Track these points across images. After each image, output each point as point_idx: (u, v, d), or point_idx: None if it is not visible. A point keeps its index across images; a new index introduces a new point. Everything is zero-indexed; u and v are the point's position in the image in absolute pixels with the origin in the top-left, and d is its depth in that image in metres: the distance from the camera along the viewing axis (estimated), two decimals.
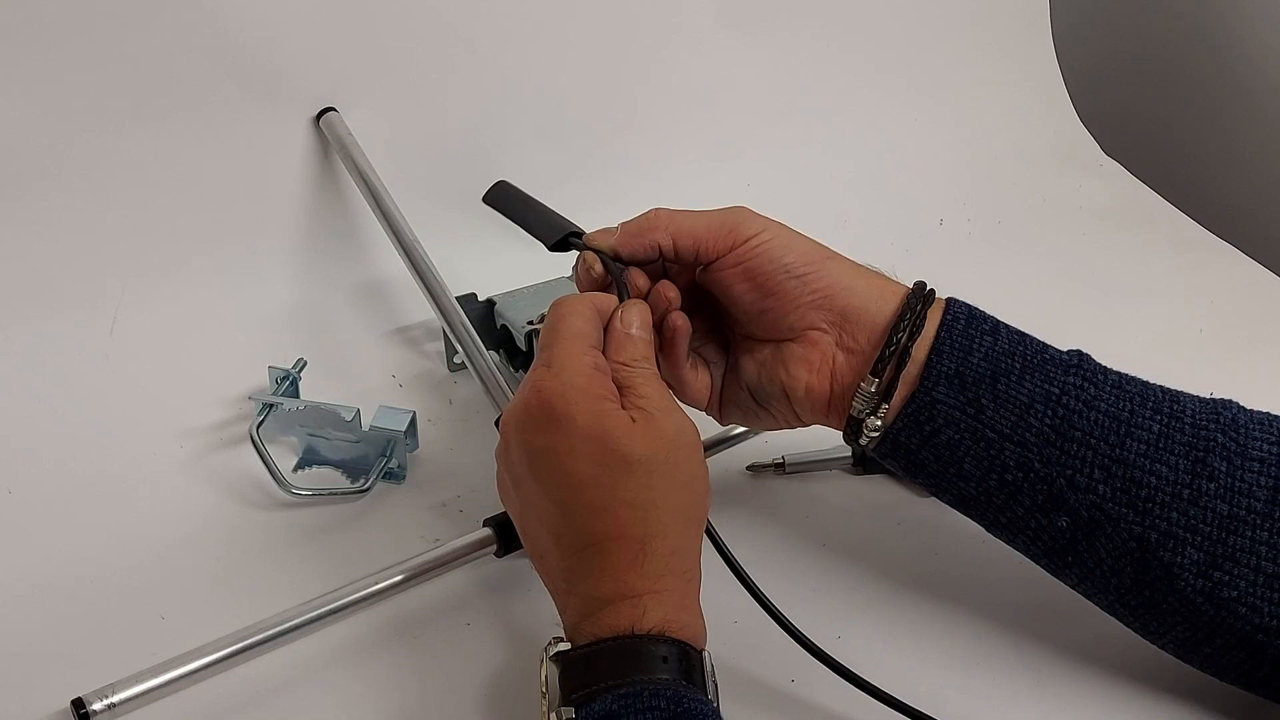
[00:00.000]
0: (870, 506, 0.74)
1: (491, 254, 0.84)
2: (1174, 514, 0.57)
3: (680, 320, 0.62)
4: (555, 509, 0.57)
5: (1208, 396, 0.60)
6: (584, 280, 0.64)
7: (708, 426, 0.75)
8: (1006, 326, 0.61)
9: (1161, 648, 0.60)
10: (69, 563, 0.68)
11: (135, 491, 0.73)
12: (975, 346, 0.60)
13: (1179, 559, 0.56)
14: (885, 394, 0.60)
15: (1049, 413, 0.58)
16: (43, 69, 0.76)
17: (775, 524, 0.72)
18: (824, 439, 0.76)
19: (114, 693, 0.58)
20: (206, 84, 0.81)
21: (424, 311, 0.83)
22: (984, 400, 0.59)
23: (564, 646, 0.55)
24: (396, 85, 0.87)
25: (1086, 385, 0.59)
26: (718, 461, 0.75)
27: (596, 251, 0.63)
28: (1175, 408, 0.58)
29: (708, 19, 0.99)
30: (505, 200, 0.70)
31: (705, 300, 0.65)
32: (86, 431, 0.76)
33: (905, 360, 0.60)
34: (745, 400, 0.65)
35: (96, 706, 0.57)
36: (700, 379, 0.65)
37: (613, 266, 0.62)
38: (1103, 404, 0.58)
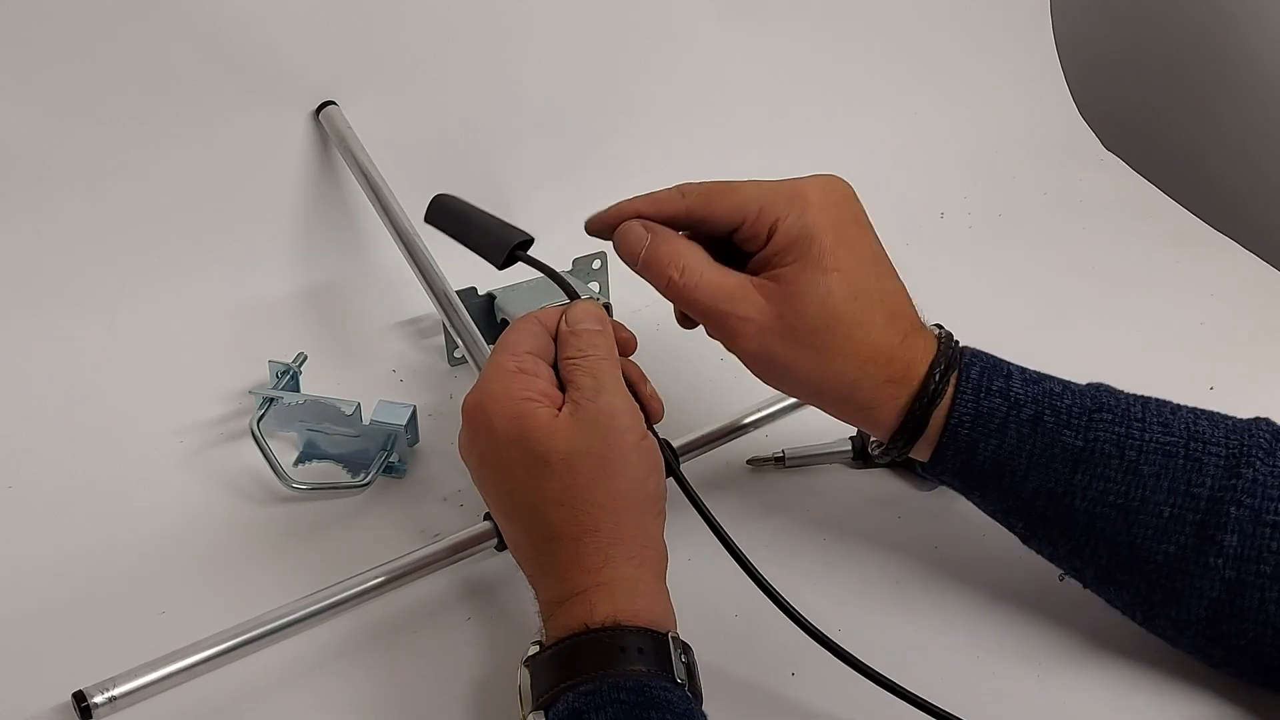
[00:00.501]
0: (870, 500, 0.74)
1: None
2: (1179, 583, 0.57)
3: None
4: (504, 519, 0.60)
5: (1242, 425, 0.59)
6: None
7: (706, 421, 0.75)
8: (1016, 419, 0.59)
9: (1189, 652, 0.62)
10: (69, 558, 0.68)
11: (135, 487, 0.73)
12: (980, 448, 0.60)
13: (1185, 616, 0.58)
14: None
15: (1052, 506, 0.59)
16: (40, 65, 0.76)
17: (776, 517, 0.72)
18: (825, 433, 0.76)
19: (115, 686, 0.58)
20: (205, 78, 0.81)
21: (424, 306, 0.83)
22: (988, 488, 0.61)
23: (534, 650, 0.56)
24: (396, 79, 0.87)
25: (1094, 482, 0.58)
26: (718, 455, 0.75)
27: (543, 270, 0.63)
28: (1194, 482, 0.57)
29: (707, 12, 0.99)
30: (446, 217, 0.67)
31: None
32: (86, 427, 0.76)
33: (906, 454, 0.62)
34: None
35: (97, 700, 0.57)
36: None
37: (559, 278, 0.62)
38: (1111, 497, 0.58)
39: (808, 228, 0.60)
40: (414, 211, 0.81)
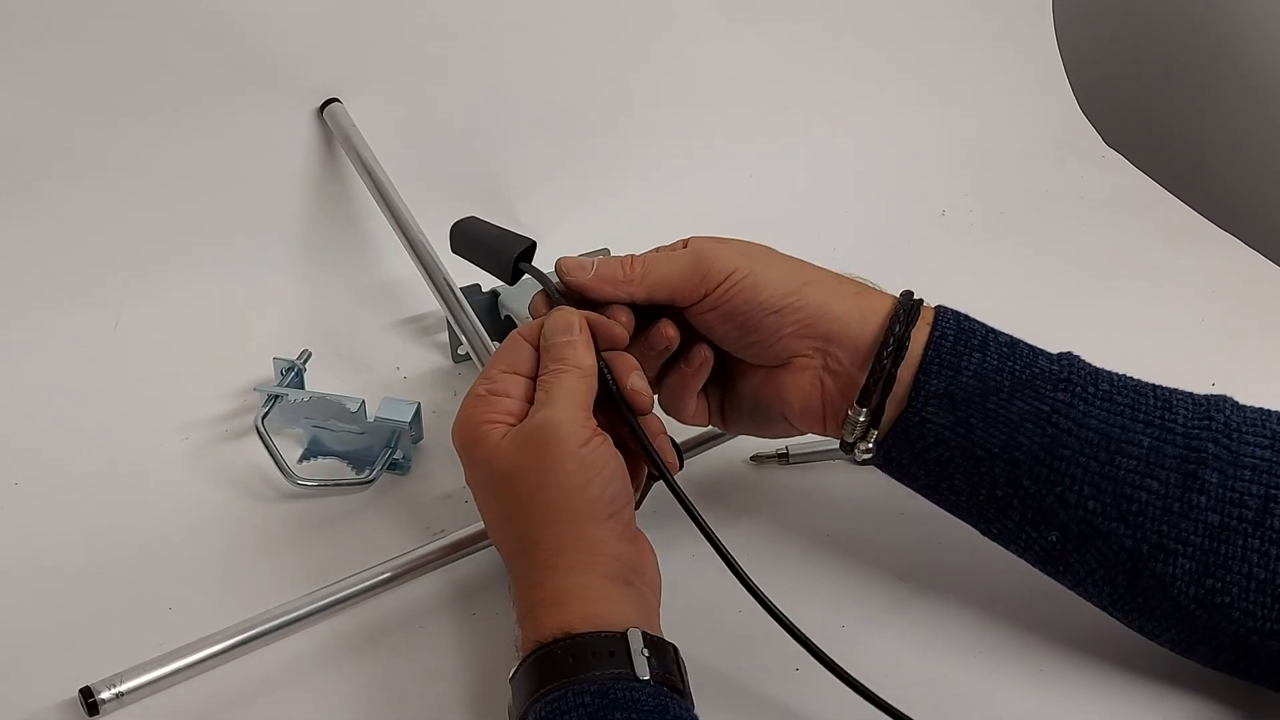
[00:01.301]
0: (873, 497, 0.74)
1: None
2: (1164, 527, 0.57)
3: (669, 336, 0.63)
4: (488, 531, 0.62)
5: (1202, 394, 0.60)
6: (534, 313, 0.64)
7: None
8: (995, 337, 0.61)
9: (1159, 644, 0.60)
10: (75, 554, 0.68)
11: (141, 483, 0.73)
12: (964, 364, 0.59)
13: (1171, 569, 0.57)
14: (874, 419, 0.61)
15: (1039, 431, 0.58)
16: (44, 63, 0.76)
17: (778, 514, 0.73)
18: None
19: (121, 682, 0.58)
20: (209, 76, 0.81)
21: (428, 303, 0.83)
22: (973, 420, 0.59)
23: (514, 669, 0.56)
24: (399, 76, 0.87)
25: (1076, 402, 0.58)
26: (721, 452, 0.76)
27: (539, 279, 0.64)
28: (1167, 417, 0.58)
29: (709, 10, 0.99)
30: (465, 246, 0.68)
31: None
32: (92, 424, 0.76)
33: (891, 385, 0.60)
34: (747, 417, 0.66)
35: (104, 695, 0.58)
36: (699, 407, 0.66)
37: (552, 289, 0.63)
38: (1093, 420, 0.58)
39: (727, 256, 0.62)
40: (417, 208, 0.81)
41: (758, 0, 1.01)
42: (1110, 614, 0.61)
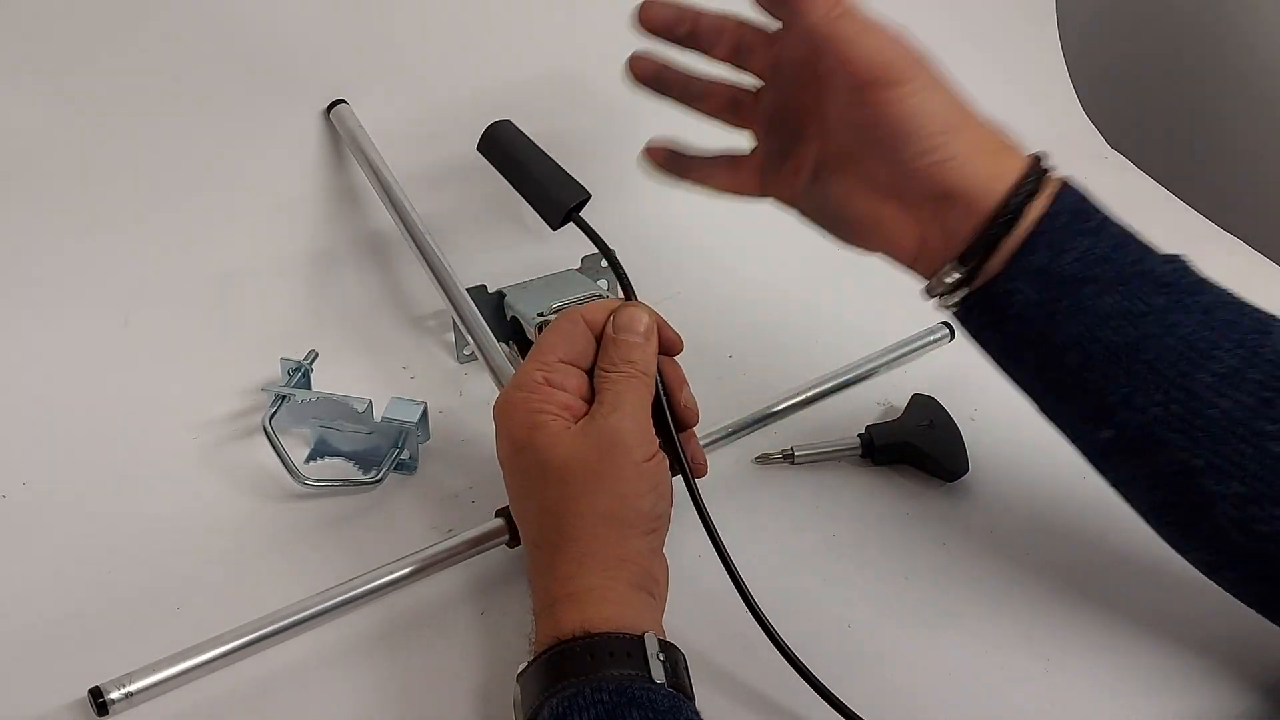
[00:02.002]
0: (879, 497, 0.74)
1: (502, 245, 0.84)
2: (1225, 447, 0.55)
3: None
4: (515, 519, 0.62)
5: None
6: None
7: (715, 417, 0.75)
8: (1112, 225, 0.59)
9: (1189, 561, 0.59)
10: (84, 554, 0.68)
11: (149, 483, 0.73)
12: (1071, 245, 0.57)
13: (1221, 489, 0.55)
14: (968, 279, 0.59)
15: (1126, 329, 0.56)
16: (53, 65, 0.76)
17: (784, 514, 0.73)
18: (834, 430, 0.77)
19: (131, 682, 0.58)
20: (216, 77, 0.81)
21: (434, 303, 0.83)
22: (1063, 304, 0.57)
23: (524, 665, 0.56)
24: (406, 77, 0.87)
25: (1172, 309, 0.56)
26: (726, 453, 0.76)
27: (598, 245, 0.63)
28: (1261, 341, 0.56)
29: (714, 7, 0.99)
30: (501, 153, 0.64)
31: (809, 95, 0.63)
32: (100, 424, 0.76)
33: (993, 252, 0.58)
34: (823, 208, 0.64)
35: (114, 695, 0.58)
36: (739, 178, 0.66)
37: (619, 266, 0.63)
38: (1184, 329, 0.56)
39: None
40: (424, 209, 0.81)
41: None
42: (1148, 522, 0.60)
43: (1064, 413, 0.60)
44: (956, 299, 0.61)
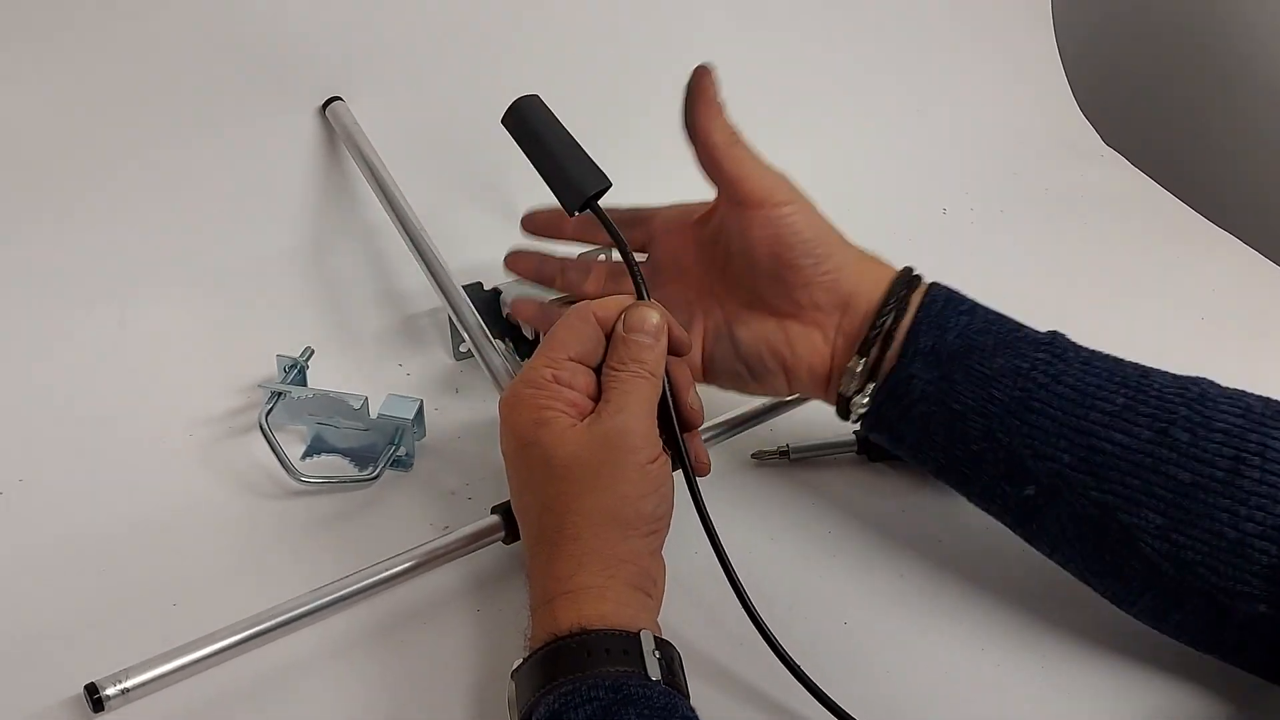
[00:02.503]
0: (875, 494, 0.74)
1: (498, 242, 0.84)
2: (1133, 480, 0.57)
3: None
4: (516, 514, 0.63)
5: (1182, 374, 0.61)
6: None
7: (711, 413, 0.75)
8: (984, 308, 0.64)
9: (1134, 616, 0.61)
10: (81, 550, 0.68)
11: (145, 480, 0.73)
12: (951, 324, 0.62)
13: (1139, 522, 0.57)
14: (871, 373, 0.64)
15: (1014, 385, 0.60)
16: (49, 63, 0.76)
17: (780, 512, 0.73)
18: (828, 427, 0.77)
19: (127, 678, 0.58)
20: (212, 75, 0.81)
21: (430, 300, 0.83)
22: (956, 375, 0.62)
23: (519, 662, 0.56)
24: (402, 74, 0.87)
25: (1055, 361, 0.61)
26: (723, 450, 0.76)
27: (613, 235, 0.63)
28: (1143, 382, 0.60)
29: (712, 11, 0.99)
30: (527, 128, 0.65)
31: (696, 267, 0.68)
32: (96, 421, 0.76)
33: (890, 343, 0.63)
34: (737, 369, 0.68)
35: (109, 691, 0.58)
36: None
37: (632, 262, 0.63)
38: (1069, 378, 0.60)
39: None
40: (420, 206, 0.81)
41: (759, 1, 1.01)
42: (1087, 581, 0.62)
43: (984, 480, 0.62)
44: (866, 400, 0.64)
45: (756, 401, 0.77)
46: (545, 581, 0.57)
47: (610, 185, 0.65)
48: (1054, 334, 0.63)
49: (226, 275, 0.83)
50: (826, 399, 0.67)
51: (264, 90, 0.83)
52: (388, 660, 0.63)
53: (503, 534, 0.66)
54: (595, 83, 0.95)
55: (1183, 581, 0.57)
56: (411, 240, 0.80)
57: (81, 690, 0.58)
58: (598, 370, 0.61)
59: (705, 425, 0.75)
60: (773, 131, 1.03)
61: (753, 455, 0.76)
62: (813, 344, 0.65)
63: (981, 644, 0.65)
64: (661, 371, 0.61)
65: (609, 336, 0.61)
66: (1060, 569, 0.63)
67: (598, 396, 0.60)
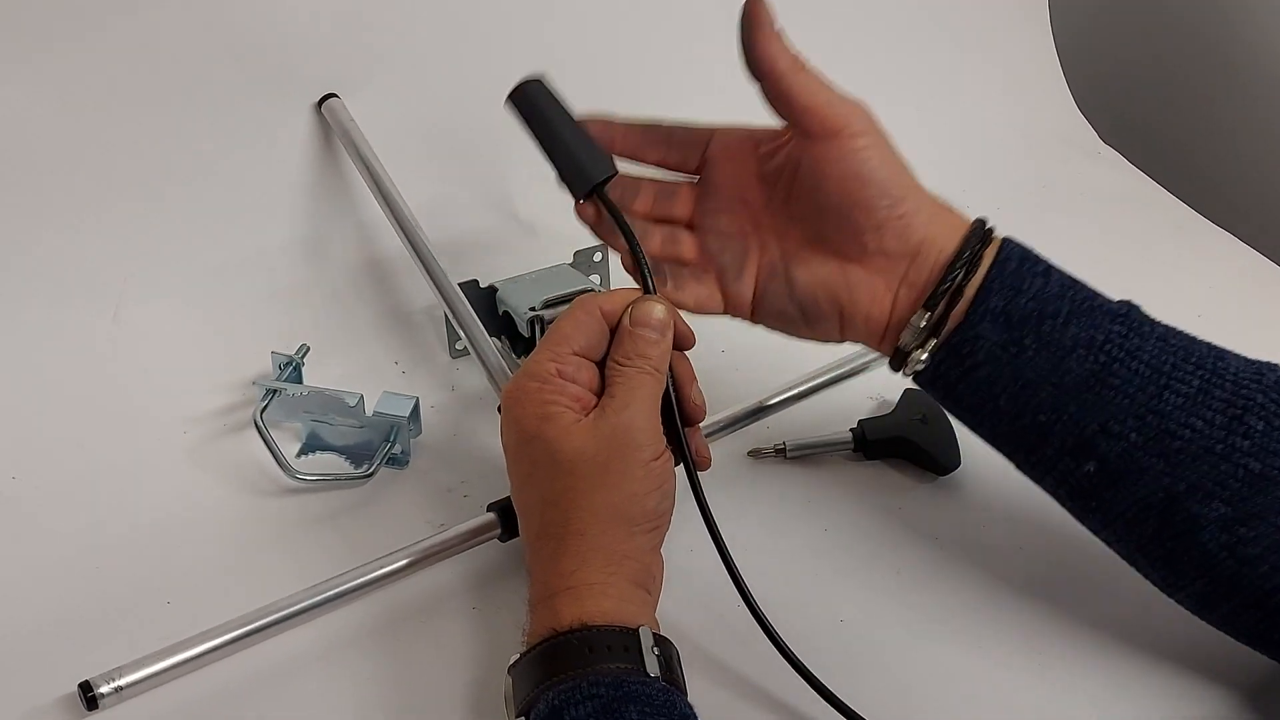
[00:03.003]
0: (871, 491, 0.74)
1: (494, 240, 0.84)
2: (1204, 467, 0.56)
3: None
4: (516, 508, 0.62)
5: (1256, 359, 0.59)
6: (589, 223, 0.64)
7: (708, 411, 0.75)
8: (1059, 270, 0.61)
9: (1179, 602, 0.60)
10: (75, 548, 0.68)
11: (140, 477, 0.73)
12: (1025, 286, 0.59)
13: (1205, 511, 0.56)
14: (935, 329, 0.61)
15: (1090, 358, 0.58)
16: (43, 59, 0.76)
17: (777, 509, 0.73)
18: (826, 424, 0.77)
19: (121, 676, 0.58)
20: (207, 71, 0.81)
21: (426, 297, 0.83)
22: (1027, 340, 0.59)
23: (517, 657, 0.56)
24: (398, 70, 0.87)
25: (1131, 335, 0.58)
26: (719, 446, 0.75)
27: (621, 226, 0.62)
28: (1219, 364, 0.58)
29: (709, 6, 0.99)
30: (535, 111, 0.63)
31: (756, 198, 0.65)
32: (91, 418, 0.76)
33: (958, 299, 0.60)
34: (789, 310, 0.65)
35: (104, 689, 0.58)
36: (703, 291, 0.65)
37: (639, 253, 0.62)
38: (1145, 354, 0.58)
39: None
40: (416, 203, 0.81)
41: None
42: (1135, 563, 0.60)
43: (1047, 453, 0.60)
44: (925, 355, 0.61)
45: (753, 399, 0.77)
46: (548, 577, 0.57)
47: (616, 173, 0.64)
48: (1128, 305, 0.60)
49: (222, 272, 0.83)
50: (880, 349, 0.64)
51: (259, 87, 0.82)
52: (383, 658, 0.63)
53: (499, 531, 0.66)
54: (591, 81, 0.95)
55: (1240, 575, 0.56)
56: (407, 237, 0.79)
57: (76, 688, 0.58)
58: (600, 364, 0.61)
59: (703, 423, 0.75)
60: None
61: (749, 452, 0.76)
62: (874, 291, 0.62)
63: (978, 642, 0.65)
64: (666, 367, 0.60)
65: (613, 330, 0.61)
66: (1056, 568, 0.63)
67: (600, 391, 0.60)
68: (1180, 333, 0.60)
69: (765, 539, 0.71)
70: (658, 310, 0.60)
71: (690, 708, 0.54)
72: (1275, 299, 0.93)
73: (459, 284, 0.78)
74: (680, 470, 0.62)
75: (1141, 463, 0.57)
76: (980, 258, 0.60)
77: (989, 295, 0.59)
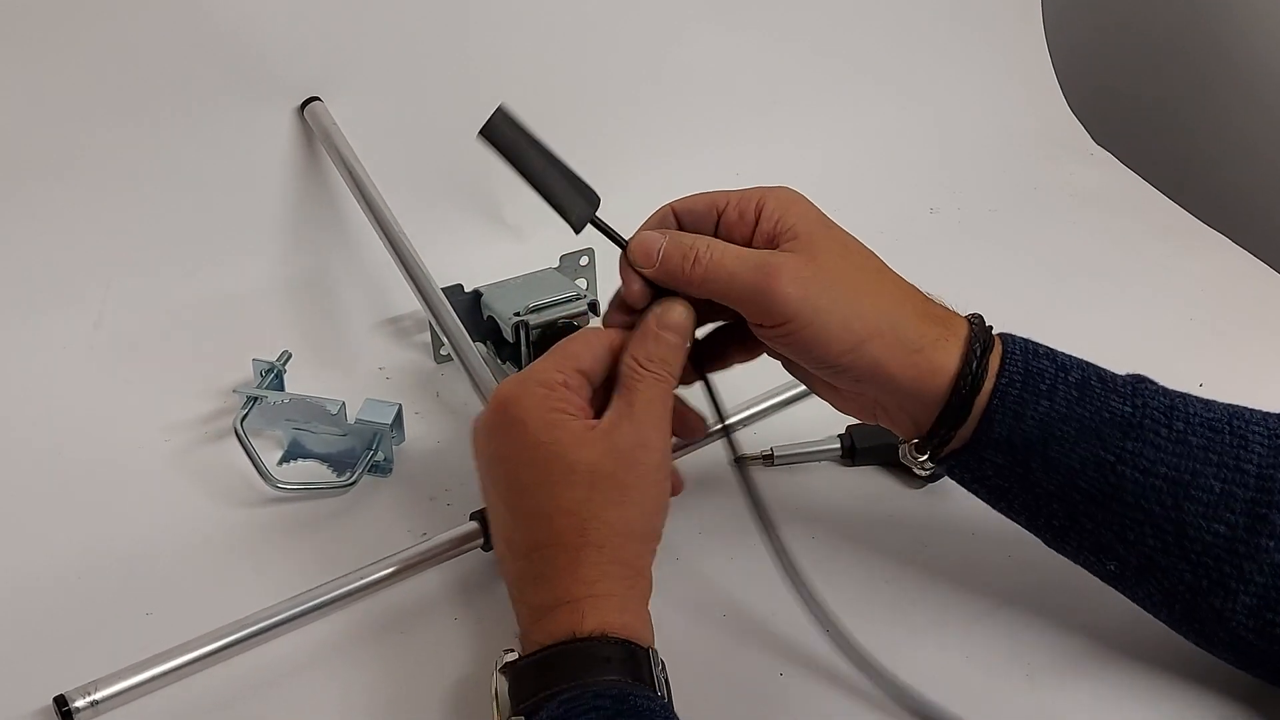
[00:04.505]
0: (859, 498, 0.73)
1: (477, 244, 0.84)
2: (1227, 566, 0.56)
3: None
4: (507, 514, 0.59)
5: (1274, 414, 0.58)
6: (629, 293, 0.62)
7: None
8: (1065, 381, 0.58)
9: (1216, 657, 0.60)
10: (52, 558, 0.67)
11: (120, 486, 0.72)
12: (1028, 413, 0.58)
13: (1231, 605, 0.56)
14: (932, 456, 0.61)
15: (1100, 478, 0.57)
16: (23, 63, 0.76)
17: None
18: (814, 431, 0.76)
19: (97, 690, 0.58)
20: (189, 74, 0.80)
21: (410, 303, 0.82)
22: (1033, 463, 0.58)
23: (512, 657, 0.56)
24: (381, 74, 0.87)
25: (1145, 449, 0.57)
26: (706, 453, 0.75)
27: (618, 243, 0.62)
28: (1241, 456, 0.56)
29: (698, 7, 0.98)
30: (512, 146, 0.61)
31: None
32: (71, 426, 0.75)
33: (948, 442, 0.59)
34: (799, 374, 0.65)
35: (79, 704, 0.57)
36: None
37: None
38: (1161, 467, 0.56)
39: (792, 204, 0.60)
40: (399, 207, 0.80)
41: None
42: (1172, 628, 0.60)
43: (1066, 548, 0.61)
44: (931, 465, 0.62)
45: (740, 405, 0.77)
46: (567, 584, 0.56)
47: (599, 201, 0.63)
48: (1141, 401, 0.58)
49: (203, 276, 0.83)
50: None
51: (241, 90, 0.82)
52: (364, 669, 0.62)
53: (481, 540, 0.66)
54: (576, 83, 0.95)
55: (1270, 650, 0.56)
56: (390, 242, 0.79)
57: (50, 702, 0.57)
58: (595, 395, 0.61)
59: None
60: (758, 129, 1.03)
61: (736, 459, 0.75)
62: (852, 408, 0.63)
63: (967, 650, 0.64)
64: (679, 375, 0.60)
65: (615, 359, 0.60)
66: (1045, 575, 0.63)
67: (596, 415, 0.59)
68: (1199, 419, 0.57)
69: (752, 546, 0.69)
70: (681, 312, 0.60)
71: None
72: (1267, 300, 0.92)
73: (443, 289, 0.77)
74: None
75: (1162, 564, 0.57)
76: (966, 411, 0.58)
77: (991, 425, 0.58)
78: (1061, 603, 0.64)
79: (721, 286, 0.58)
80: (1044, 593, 0.64)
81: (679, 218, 0.62)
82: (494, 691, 0.55)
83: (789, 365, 0.64)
